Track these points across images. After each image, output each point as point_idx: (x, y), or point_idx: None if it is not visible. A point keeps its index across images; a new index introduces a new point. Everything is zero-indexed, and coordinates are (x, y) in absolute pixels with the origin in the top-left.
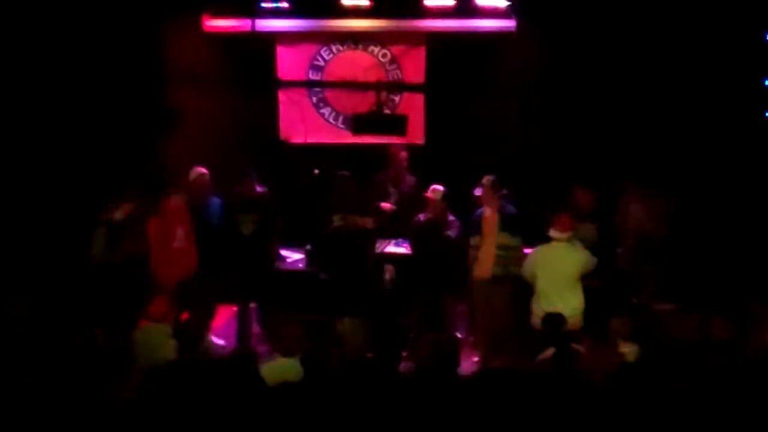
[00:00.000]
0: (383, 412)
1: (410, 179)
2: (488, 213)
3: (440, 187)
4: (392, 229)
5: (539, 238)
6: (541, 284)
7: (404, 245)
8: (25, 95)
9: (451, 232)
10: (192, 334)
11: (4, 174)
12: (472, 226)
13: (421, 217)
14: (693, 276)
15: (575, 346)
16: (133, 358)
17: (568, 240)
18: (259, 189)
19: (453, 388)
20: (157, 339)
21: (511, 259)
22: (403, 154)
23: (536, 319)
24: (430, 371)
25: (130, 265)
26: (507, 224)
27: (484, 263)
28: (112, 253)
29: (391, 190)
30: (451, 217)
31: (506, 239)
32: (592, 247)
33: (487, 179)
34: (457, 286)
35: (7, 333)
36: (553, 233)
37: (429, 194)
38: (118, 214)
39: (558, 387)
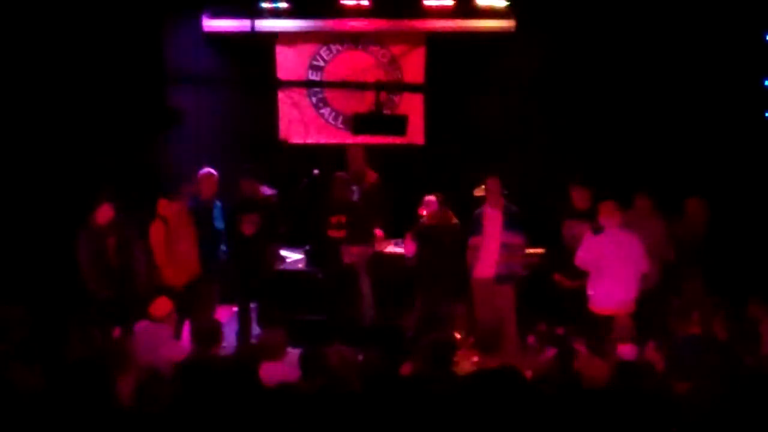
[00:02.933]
0: (384, 413)
1: (372, 176)
2: (492, 213)
3: (432, 197)
4: (357, 224)
5: (541, 237)
6: (615, 271)
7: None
8: (24, 95)
9: (452, 236)
10: (211, 334)
11: (3, 175)
12: (471, 226)
13: (422, 221)
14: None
15: (575, 346)
16: (131, 359)
17: (620, 226)
18: (266, 191)
19: (451, 388)
20: (158, 339)
21: (514, 258)
22: (359, 152)
23: (603, 305)
24: (428, 372)
25: (123, 267)
26: (510, 224)
27: (488, 263)
28: (101, 256)
29: (354, 187)
30: (454, 220)
31: (510, 238)
32: None
33: (490, 179)
34: (455, 288)
35: (6, 334)
36: (605, 221)
37: (422, 210)
38: (100, 218)
39: (553, 387)
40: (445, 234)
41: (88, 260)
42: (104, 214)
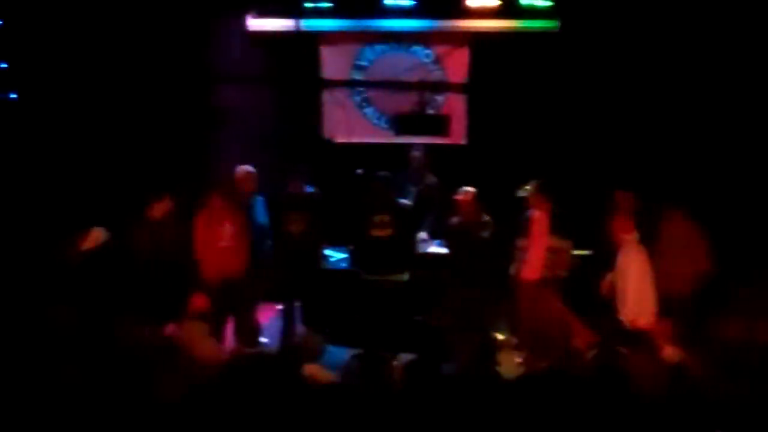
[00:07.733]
0: (427, 413)
1: (431, 179)
2: (538, 215)
3: (470, 189)
4: (410, 225)
5: (588, 240)
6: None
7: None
8: (74, 97)
9: (485, 233)
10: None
11: (54, 171)
12: (518, 227)
13: (454, 219)
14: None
15: (620, 348)
16: (177, 356)
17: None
18: (308, 189)
19: (495, 389)
20: (196, 336)
21: (559, 261)
22: (418, 154)
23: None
24: (471, 372)
25: (173, 262)
26: (557, 227)
27: (534, 266)
28: (154, 250)
29: (411, 188)
30: (486, 217)
31: (556, 242)
32: None
33: (535, 182)
34: (493, 287)
35: (52, 331)
36: (626, 237)
37: (458, 197)
38: (156, 213)
39: (601, 390)
40: (476, 232)
41: (146, 251)
42: (162, 208)
